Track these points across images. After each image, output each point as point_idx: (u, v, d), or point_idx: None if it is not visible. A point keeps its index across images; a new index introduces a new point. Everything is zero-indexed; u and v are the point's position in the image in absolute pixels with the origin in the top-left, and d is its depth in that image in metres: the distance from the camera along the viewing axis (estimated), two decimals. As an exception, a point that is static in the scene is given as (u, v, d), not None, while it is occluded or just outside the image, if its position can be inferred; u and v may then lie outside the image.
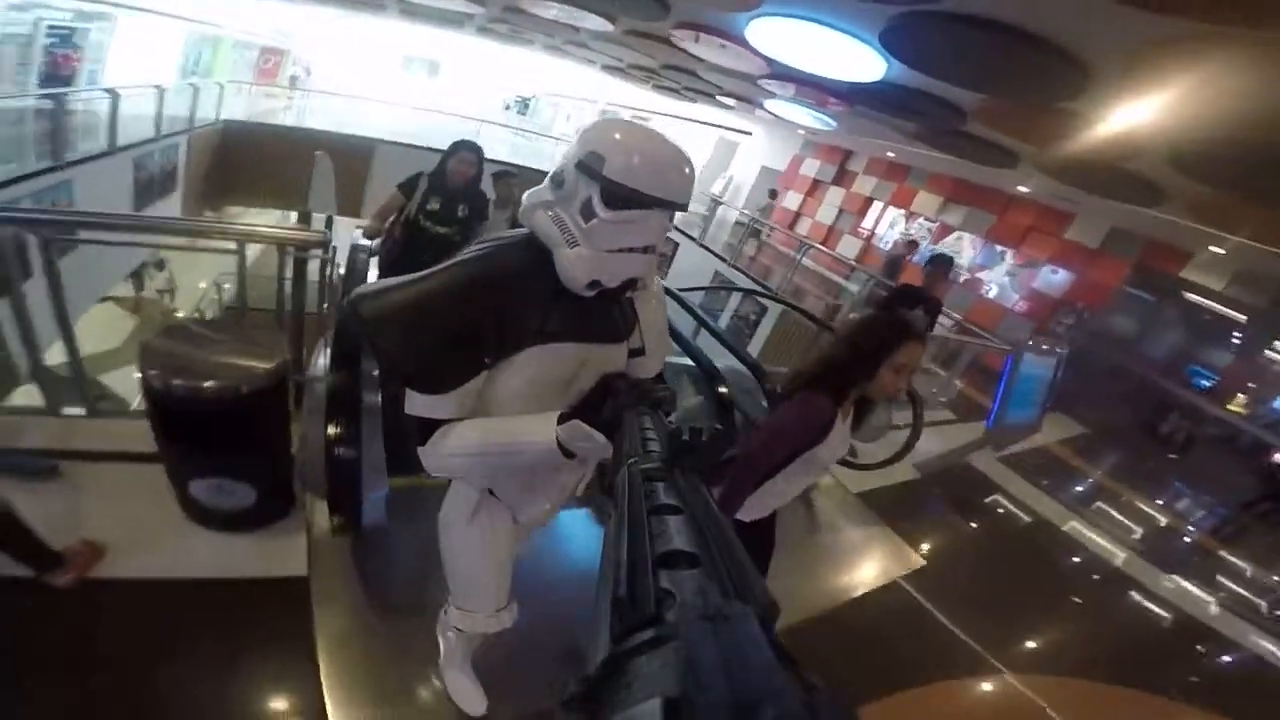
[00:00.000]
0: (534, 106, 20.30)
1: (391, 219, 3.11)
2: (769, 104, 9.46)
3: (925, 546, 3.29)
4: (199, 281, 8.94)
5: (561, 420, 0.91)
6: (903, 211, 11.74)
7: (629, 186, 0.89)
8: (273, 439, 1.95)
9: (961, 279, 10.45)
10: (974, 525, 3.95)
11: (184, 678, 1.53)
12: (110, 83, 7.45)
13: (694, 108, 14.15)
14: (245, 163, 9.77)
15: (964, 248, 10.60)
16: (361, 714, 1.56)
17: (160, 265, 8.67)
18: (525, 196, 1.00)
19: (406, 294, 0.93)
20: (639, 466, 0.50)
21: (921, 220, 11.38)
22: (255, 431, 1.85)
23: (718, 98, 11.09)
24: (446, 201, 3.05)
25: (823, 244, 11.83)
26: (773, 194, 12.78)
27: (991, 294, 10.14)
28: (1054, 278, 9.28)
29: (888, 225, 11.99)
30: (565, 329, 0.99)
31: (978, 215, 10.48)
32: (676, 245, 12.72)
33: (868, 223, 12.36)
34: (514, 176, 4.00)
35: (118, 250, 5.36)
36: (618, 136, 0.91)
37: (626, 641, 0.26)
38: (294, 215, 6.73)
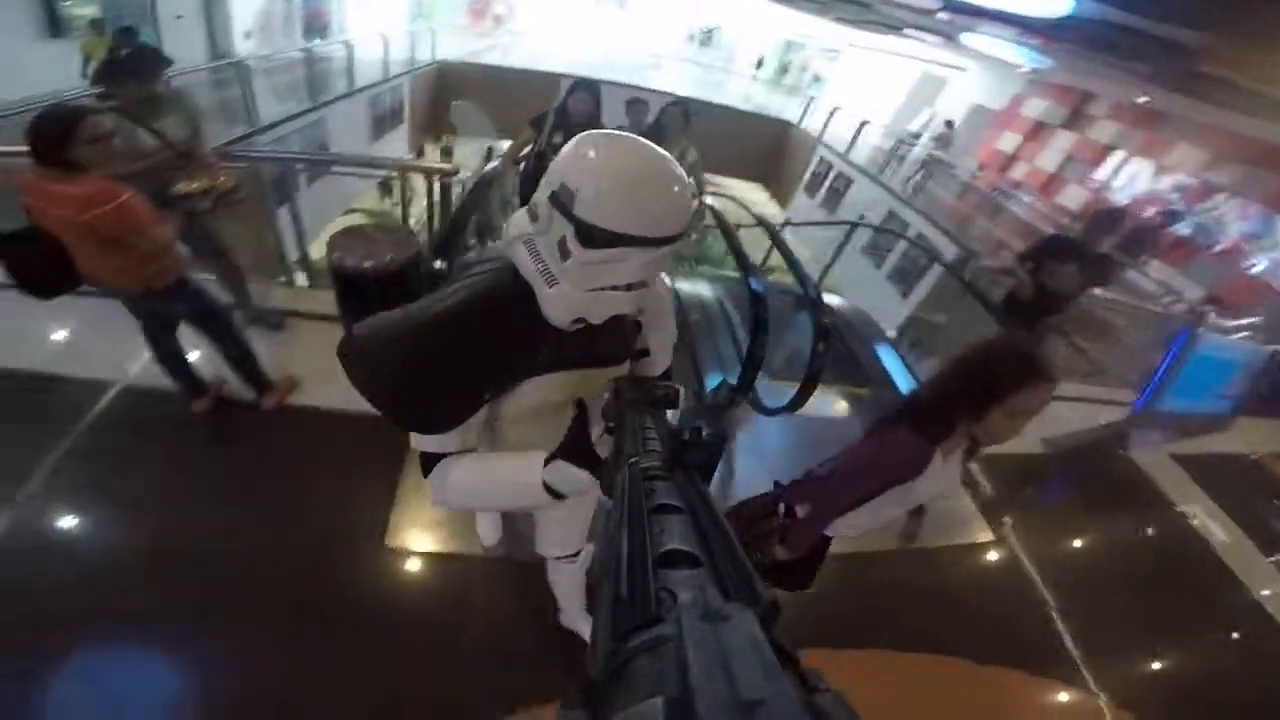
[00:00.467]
0: (717, 38, 19.59)
1: (527, 150, 3.57)
2: (965, 38, 8.21)
3: (1022, 526, 2.97)
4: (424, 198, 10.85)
5: (548, 460, 0.88)
6: (1153, 165, 9.53)
7: (602, 227, 0.77)
8: (404, 303, 2.66)
9: (1217, 248, 8.40)
10: (1095, 518, 3.34)
11: (324, 477, 2.28)
12: (350, 33, 8.95)
13: (894, 41, 12.63)
14: (457, 98, 11.21)
15: (1226, 213, 8.41)
16: (412, 531, 2.15)
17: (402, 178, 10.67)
18: (506, 226, 0.92)
19: (395, 337, 0.88)
20: (639, 466, 0.50)
21: (1177, 177, 9.15)
22: (392, 297, 2.51)
23: (905, 31, 9.83)
24: (569, 135, 3.40)
25: (1041, 191, 10.20)
26: (949, 124, 11.23)
27: (1257, 269, 8.00)
28: (1355, 260, 7.01)
29: (1128, 178, 9.87)
30: (562, 359, 0.95)
31: (1258, 176, 8.15)
32: (850, 180, 12.00)
33: (1102, 174, 10.27)
34: (645, 104, 3.92)
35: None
36: (592, 165, 0.78)
37: (627, 641, 0.27)
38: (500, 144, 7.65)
